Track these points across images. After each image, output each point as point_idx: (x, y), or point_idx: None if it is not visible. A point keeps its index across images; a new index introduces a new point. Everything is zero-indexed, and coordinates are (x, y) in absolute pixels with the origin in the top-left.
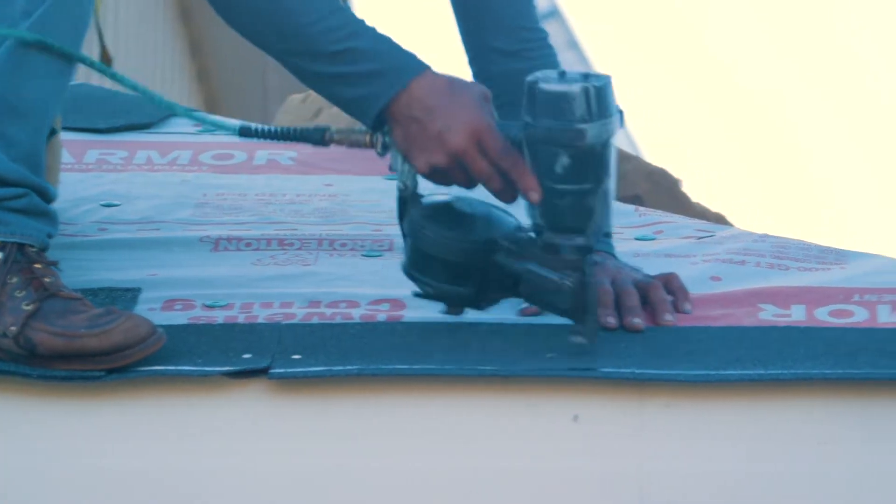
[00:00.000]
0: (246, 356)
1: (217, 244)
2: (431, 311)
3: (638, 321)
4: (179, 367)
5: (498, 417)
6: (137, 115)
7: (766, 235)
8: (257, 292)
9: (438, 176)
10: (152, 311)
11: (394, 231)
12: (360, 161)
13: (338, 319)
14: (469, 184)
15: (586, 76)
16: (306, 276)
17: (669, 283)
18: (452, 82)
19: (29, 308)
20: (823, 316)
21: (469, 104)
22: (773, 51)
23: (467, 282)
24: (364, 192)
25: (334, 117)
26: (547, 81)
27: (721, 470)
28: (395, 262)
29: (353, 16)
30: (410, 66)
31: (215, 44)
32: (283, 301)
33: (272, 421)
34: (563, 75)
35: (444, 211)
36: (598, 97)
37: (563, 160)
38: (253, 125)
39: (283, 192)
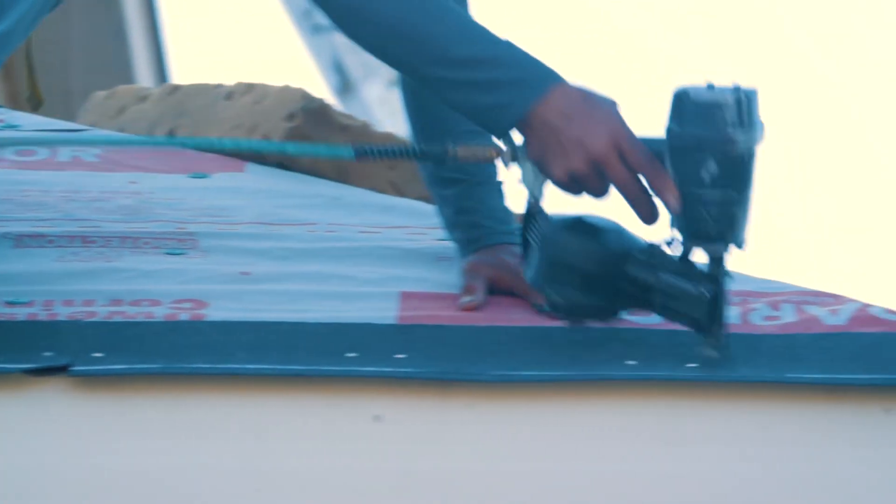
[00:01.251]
0: (47, 354)
1: (19, 240)
2: (235, 311)
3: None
4: None
5: (300, 417)
6: None
7: None
8: (59, 290)
9: (574, 184)
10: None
11: (197, 229)
12: (165, 159)
13: (140, 318)
14: (603, 193)
15: (735, 87)
16: (109, 273)
17: None
18: (587, 92)
19: None
20: (626, 315)
21: (606, 112)
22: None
23: (599, 293)
24: (168, 190)
25: (139, 113)
26: (699, 92)
27: (520, 470)
28: (198, 260)
29: (484, 27)
30: (549, 76)
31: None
32: (85, 299)
33: (72, 419)
34: (712, 87)
35: (577, 223)
36: (748, 106)
37: (711, 167)
38: (368, 146)
39: (87, 189)
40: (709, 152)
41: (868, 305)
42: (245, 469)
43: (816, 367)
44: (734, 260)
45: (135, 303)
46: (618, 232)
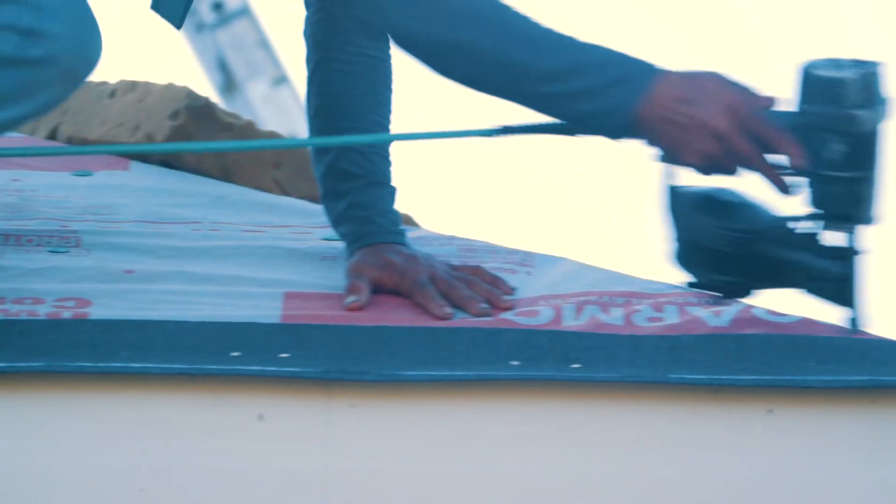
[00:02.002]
0: None
1: None
2: (118, 310)
3: (486, 306)
4: None
5: (184, 415)
6: None
7: (452, 237)
8: None
9: (709, 165)
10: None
11: (81, 227)
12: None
13: (23, 316)
14: (735, 170)
15: (859, 63)
16: None
17: (481, 274)
18: (690, 74)
19: None
20: (510, 315)
21: (715, 86)
22: None
23: (735, 271)
24: (51, 188)
25: None
26: (822, 68)
27: (403, 470)
28: (81, 258)
29: (571, 35)
30: (648, 70)
31: None
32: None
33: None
34: (836, 62)
35: (711, 201)
36: (873, 83)
37: (838, 147)
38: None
39: None
40: (833, 130)
41: (751, 307)
42: (128, 468)
43: (699, 368)
44: (863, 237)
45: (18, 300)
46: (750, 207)
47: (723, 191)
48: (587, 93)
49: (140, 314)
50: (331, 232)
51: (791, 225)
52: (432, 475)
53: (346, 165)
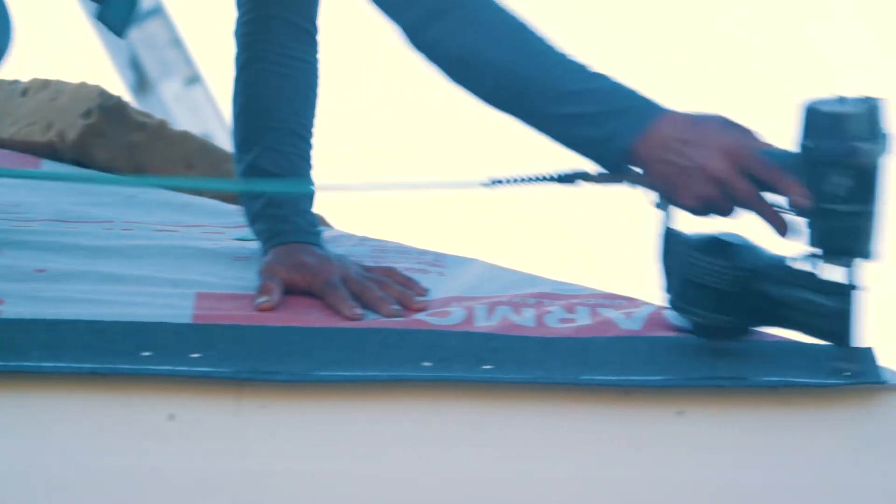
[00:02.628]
0: None
1: None
2: (29, 309)
3: (397, 307)
4: None
5: (94, 415)
6: None
7: (365, 238)
8: None
9: (704, 208)
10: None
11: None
12: None
13: None
14: (731, 211)
15: (862, 98)
16: None
17: (394, 276)
18: (694, 116)
19: None
20: (422, 316)
21: (718, 130)
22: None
23: (733, 310)
24: None
25: None
26: (825, 104)
27: (314, 470)
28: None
29: (582, 62)
30: (651, 107)
31: None
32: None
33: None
34: (839, 99)
35: (711, 242)
36: (876, 117)
37: (840, 180)
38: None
39: None
40: (835, 164)
41: (663, 308)
42: (38, 467)
43: (610, 370)
44: (864, 272)
45: None
46: (749, 248)
47: (722, 233)
48: (590, 117)
49: (51, 313)
50: (243, 232)
51: (790, 264)
52: (343, 476)
53: (266, 165)
